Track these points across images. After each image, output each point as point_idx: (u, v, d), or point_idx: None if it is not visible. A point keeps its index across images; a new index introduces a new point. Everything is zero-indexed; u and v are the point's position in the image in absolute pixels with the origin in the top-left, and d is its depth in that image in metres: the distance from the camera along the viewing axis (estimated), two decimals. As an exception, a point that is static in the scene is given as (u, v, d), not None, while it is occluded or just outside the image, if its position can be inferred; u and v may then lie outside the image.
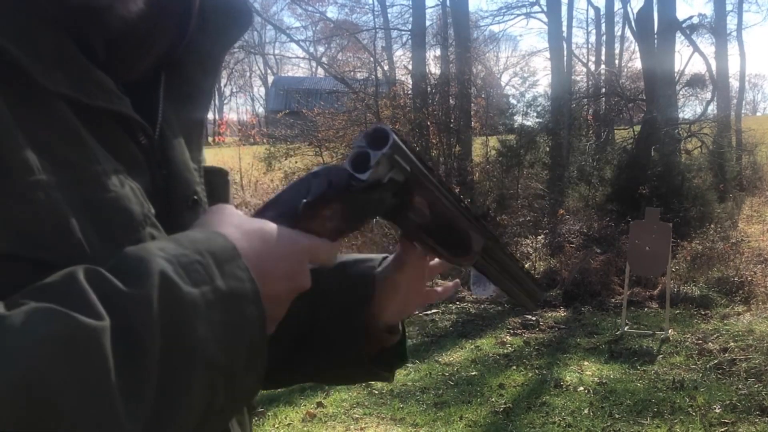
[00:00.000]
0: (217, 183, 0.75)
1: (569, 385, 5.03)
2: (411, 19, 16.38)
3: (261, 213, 0.61)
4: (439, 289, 0.85)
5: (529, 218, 10.11)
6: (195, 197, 0.67)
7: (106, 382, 0.44)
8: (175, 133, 0.67)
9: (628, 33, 23.22)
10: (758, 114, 43.38)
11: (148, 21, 0.60)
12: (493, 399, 4.80)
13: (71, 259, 0.51)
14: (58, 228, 0.52)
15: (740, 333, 6.13)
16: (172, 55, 0.65)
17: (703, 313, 6.97)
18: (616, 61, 23.19)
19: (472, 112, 14.41)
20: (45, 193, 0.51)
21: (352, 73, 15.76)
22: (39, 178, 0.51)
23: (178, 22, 0.64)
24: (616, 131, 15.10)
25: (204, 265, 0.51)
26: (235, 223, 0.58)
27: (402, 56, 19.62)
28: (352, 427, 4.35)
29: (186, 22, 0.65)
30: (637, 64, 19.14)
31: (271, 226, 0.58)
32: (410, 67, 14.65)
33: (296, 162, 12.86)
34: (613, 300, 7.57)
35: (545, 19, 19.10)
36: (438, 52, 14.84)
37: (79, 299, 0.45)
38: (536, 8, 21.56)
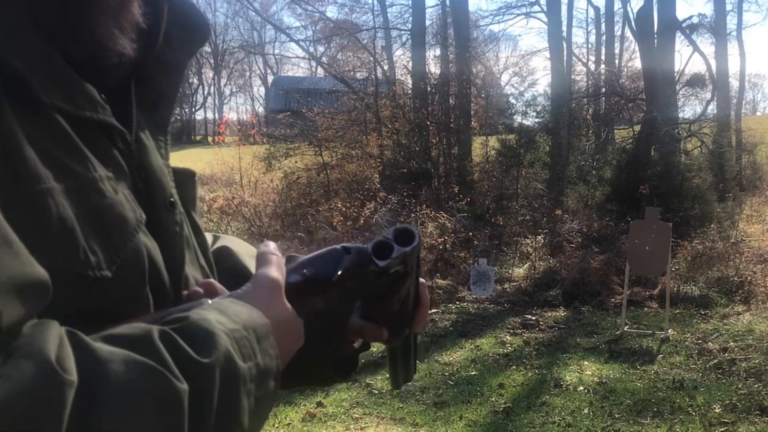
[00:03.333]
0: (186, 184, 0.78)
1: (569, 384, 5.03)
2: (411, 18, 16.39)
3: (300, 267, 0.72)
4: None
5: (528, 218, 10.11)
6: (171, 199, 0.72)
7: None
8: (147, 139, 0.71)
9: (628, 33, 23.25)
10: (758, 114, 43.41)
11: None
12: (493, 399, 4.80)
13: (74, 264, 0.55)
14: (64, 234, 0.55)
15: (740, 333, 6.13)
16: (142, 65, 0.70)
17: (702, 312, 6.97)
18: (616, 61, 23.22)
19: (471, 112, 14.41)
20: (53, 200, 0.55)
21: (351, 72, 15.76)
22: (47, 186, 0.55)
23: (148, 36, 0.69)
24: (616, 131, 15.11)
25: (249, 341, 0.58)
26: (266, 301, 0.65)
27: (402, 56, 19.64)
28: (352, 426, 4.35)
29: (155, 36, 0.70)
30: (637, 63, 19.17)
31: (288, 311, 0.66)
32: (410, 66, 14.65)
33: (296, 162, 12.85)
34: (612, 300, 7.57)
35: (545, 19, 19.09)
36: (438, 52, 14.85)
37: (160, 361, 0.51)
38: (536, 8, 21.55)
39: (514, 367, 5.50)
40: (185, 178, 0.79)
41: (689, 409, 4.51)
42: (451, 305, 7.57)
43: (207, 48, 46.01)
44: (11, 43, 0.55)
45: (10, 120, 0.53)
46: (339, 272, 0.72)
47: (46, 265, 0.52)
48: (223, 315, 0.58)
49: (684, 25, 14.10)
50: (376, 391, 4.93)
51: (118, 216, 0.61)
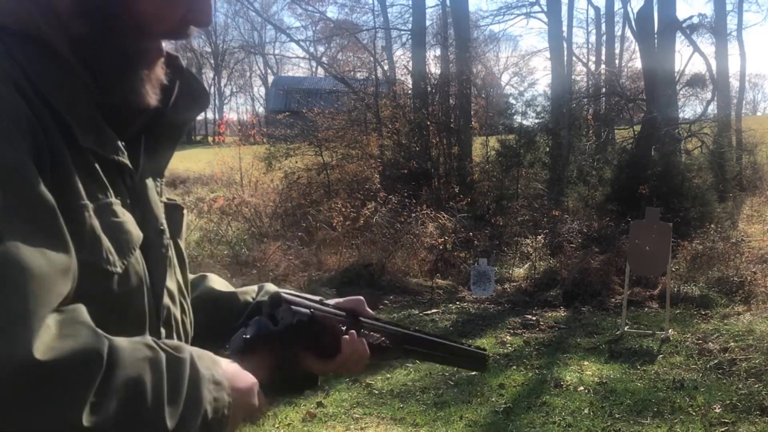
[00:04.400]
0: (175, 215, 0.99)
1: (569, 385, 5.03)
2: (411, 18, 16.38)
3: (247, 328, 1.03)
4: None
5: (528, 218, 10.11)
6: (161, 227, 0.92)
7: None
8: (149, 179, 0.92)
9: (628, 33, 23.24)
10: (758, 114, 43.40)
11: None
12: (493, 399, 4.80)
13: (100, 260, 0.77)
14: (94, 238, 0.77)
15: (740, 333, 6.13)
16: (153, 124, 0.90)
17: (703, 313, 6.97)
18: (616, 61, 23.20)
19: (472, 112, 14.41)
20: (88, 213, 0.76)
21: (352, 73, 15.76)
22: (85, 203, 0.76)
23: (161, 99, 0.88)
24: (616, 131, 15.11)
25: (209, 359, 0.83)
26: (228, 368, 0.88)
27: (402, 56, 19.63)
28: (352, 427, 4.35)
29: (168, 98, 0.90)
30: (637, 64, 19.18)
31: (239, 371, 0.89)
32: (410, 67, 14.65)
33: (296, 162, 12.85)
34: (613, 300, 7.57)
35: (545, 19, 19.10)
36: (438, 52, 14.85)
37: (152, 345, 0.75)
38: (536, 8, 21.57)
39: (514, 367, 5.50)
40: (175, 210, 0.99)
41: (689, 409, 4.51)
42: (451, 305, 7.57)
43: (207, 48, 46.03)
44: (65, 100, 0.77)
45: (66, 154, 0.75)
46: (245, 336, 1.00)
47: (80, 259, 0.73)
48: (194, 348, 0.81)
49: (684, 25, 14.09)
50: (376, 391, 4.93)
51: (127, 232, 0.82)
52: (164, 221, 0.93)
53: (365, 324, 1.12)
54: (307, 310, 1.03)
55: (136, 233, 0.83)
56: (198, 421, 0.75)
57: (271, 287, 1.18)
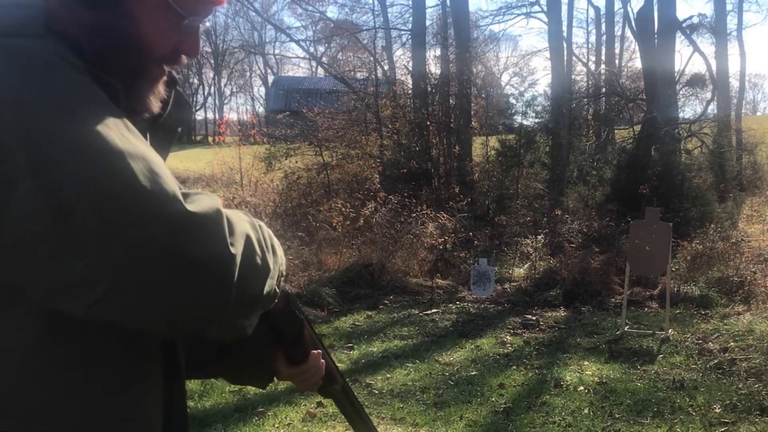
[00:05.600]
0: None
1: (569, 384, 5.03)
2: (411, 18, 16.38)
3: None
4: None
5: (529, 218, 10.11)
6: None
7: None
8: None
9: (628, 33, 23.26)
10: (758, 114, 43.40)
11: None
12: (493, 399, 4.80)
13: None
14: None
15: (740, 333, 6.13)
16: (152, 126, 1.06)
17: (703, 312, 6.97)
18: (616, 61, 23.21)
19: (472, 112, 14.40)
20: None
21: (352, 72, 15.75)
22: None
23: (161, 107, 1.05)
24: (616, 131, 15.12)
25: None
26: None
27: (402, 56, 19.64)
28: (352, 426, 4.35)
29: (165, 108, 1.06)
30: (637, 64, 19.18)
31: None
32: (410, 66, 14.65)
33: (296, 162, 12.85)
34: (613, 300, 7.57)
35: (545, 19, 19.10)
36: (438, 52, 14.84)
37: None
38: (536, 8, 21.58)
39: (514, 367, 5.50)
40: None
41: (689, 409, 4.51)
42: (451, 305, 7.57)
43: (207, 48, 45.99)
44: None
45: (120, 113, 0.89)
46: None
47: None
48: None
49: (684, 25, 14.09)
50: (376, 391, 4.93)
51: None
52: None
53: (325, 350, 1.23)
54: (300, 315, 1.12)
55: None
56: (276, 275, 0.97)
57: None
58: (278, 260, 0.99)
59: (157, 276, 0.79)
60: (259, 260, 0.91)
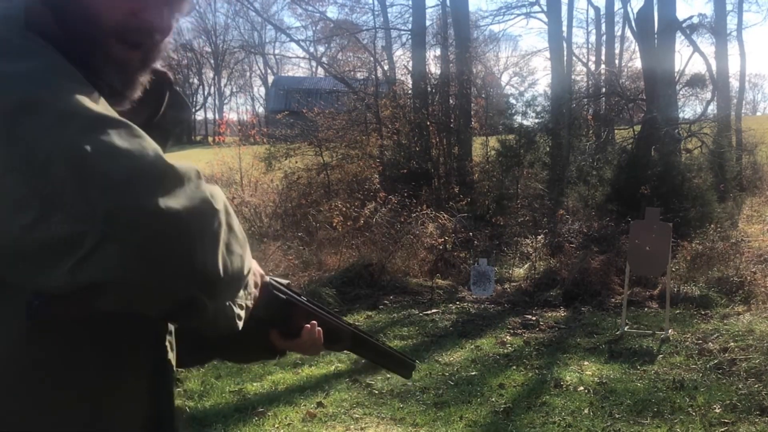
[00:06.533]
0: None
1: (569, 385, 5.03)
2: (411, 18, 16.38)
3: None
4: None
5: (528, 218, 10.11)
6: None
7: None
8: None
9: (628, 33, 23.23)
10: (758, 114, 43.38)
11: (138, 101, 1.03)
12: (493, 399, 4.80)
13: None
14: None
15: (740, 333, 6.13)
16: (149, 125, 1.02)
17: (703, 313, 6.97)
18: (616, 61, 23.19)
19: (472, 112, 14.39)
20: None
21: (352, 73, 15.74)
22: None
23: (153, 107, 1.07)
24: (616, 131, 15.10)
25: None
26: None
27: (402, 56, 19.61)
28: (352, 427, 4.35)
29: (158, 108, 1.08)
30: (637, 64, 19.15)
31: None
32: (410, 67, 14.64)
33: (296, 162, 12.85)
34: (613, 300, 7.57)
35: (545, 19, 19.09)
36: (438, 52, 14.84)
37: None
38: (536, 8, 21.57)
39: (514, 367, 5.50)
40: None
41: (689, 409, 4.51)
42: (451, 305, 7.57)
43: (207, 48, 46.01)
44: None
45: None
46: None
47: None
48: None
49: (684, 25, 14.08)
50: (376, 391, 4.93)
51: None
52: None
53: (324, 315, 1.29)
54: (283, 296, 1.18)
55: None
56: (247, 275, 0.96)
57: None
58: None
59: (143, 233, 0.77)
60: (237, 231, 0.91)
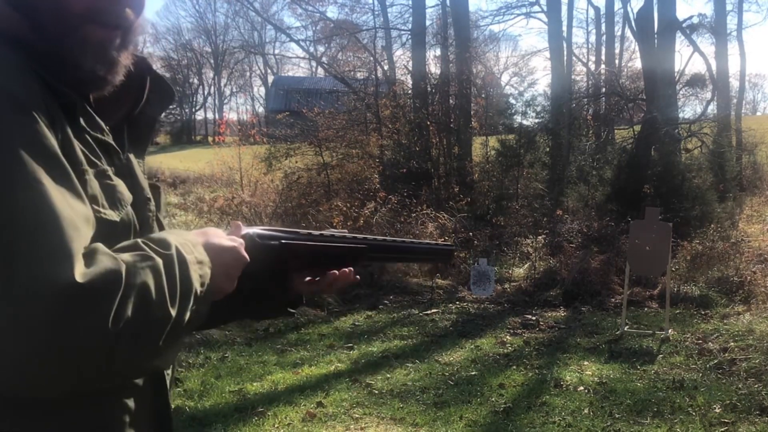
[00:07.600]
0: (155, 193, 1.13)
1: (569, 384, 5.03)
2: (411, 18, 16.37)
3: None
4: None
5: (528, 218, 10.11)
6: (148, 197, 1.09)
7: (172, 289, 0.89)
8: (133, 159, 1.10)
9: (628, 33, 23.24)
10: (758, 114, 43.36)
11: (121, 91, 1.04)
12: (493, 399, 4.80)
13: (98, 212, 0.91)
14: (93, 197, 0.91)
15: (740, 333, 6.13)
16: (131, 114, 1.09)
17: (703, 312, 6.97)
18: (616, 61, 23.19)
19: (471, 112, 14.40)
20: (89, 177, 0.92)
21: (352, 72, 15.74)
22: (86, 168, 0.92)
23: (136, 95, 1.09)
24: (616, 131, 15.10)
25: (189, 246, 0.96)
26: (204, 234, 1.05)
27: (402, 56, 19.60)
28: (352, 426, 4.35)
29: (140, 96, 1.09)
30: (637, 64, 19.15)
31: (221, 242, 1.04)
32: (410, 66, 14.64)
33: (296, 162, 12.84)
34: (613, 300, 7.57)
35: (545, 19, 19.10)
36: (438, 52, 14.84)
37: (145, 252, 0.88)
38: (536, 8, 21.57)
39: (514, 367, 5.50)
40: (154, 190, 1.14)
41: (689, 409, 4.51)
42: (451, 305, 7.57)
43: (207, 48, 46.01)
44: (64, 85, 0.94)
45: (66, 129, 0.91)
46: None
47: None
48: (174, 235, 0.95)
49: (684, 25, 14.08)
50: (376, 391, 4.93)
51: (120, 192, 0.98)
52: (149, 193, 1.10)
53: (329, 245, 1.23)
54: (275, 242, 1.14)
55: (127, 194, 1.00)
56: (191, 300, 0.91)
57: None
58: (192, 287, 0.92)
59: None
60: (154, 315, 0.85)
